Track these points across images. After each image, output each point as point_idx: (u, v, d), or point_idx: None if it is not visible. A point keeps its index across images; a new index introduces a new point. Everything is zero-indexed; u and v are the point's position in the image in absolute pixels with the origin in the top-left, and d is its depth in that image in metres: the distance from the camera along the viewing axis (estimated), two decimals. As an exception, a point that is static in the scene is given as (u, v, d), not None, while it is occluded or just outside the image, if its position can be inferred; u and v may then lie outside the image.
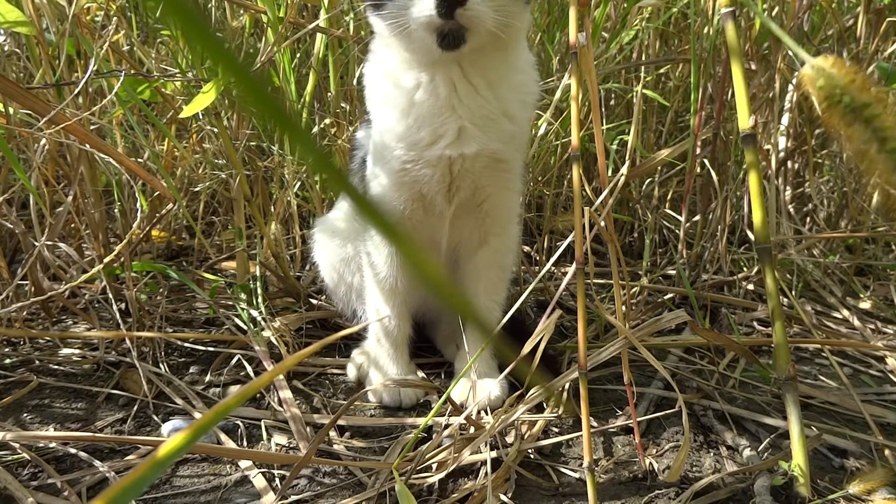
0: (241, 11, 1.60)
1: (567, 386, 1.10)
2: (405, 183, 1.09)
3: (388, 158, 1.08)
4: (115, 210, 1.48)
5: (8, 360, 1.22)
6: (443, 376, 1.27)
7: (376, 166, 1.12)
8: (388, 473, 0.91)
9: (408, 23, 0.96)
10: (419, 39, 0.98)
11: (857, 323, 1.52)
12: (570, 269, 0.96)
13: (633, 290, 1.56)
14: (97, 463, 0.93)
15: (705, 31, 1.63)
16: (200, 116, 1.48)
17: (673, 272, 1.73)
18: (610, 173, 1.62)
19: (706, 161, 1.65)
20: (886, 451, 1.04)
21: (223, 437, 1.03)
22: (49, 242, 1.26)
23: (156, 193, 1.55)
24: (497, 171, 1.10)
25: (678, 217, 1.79)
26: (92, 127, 1.42)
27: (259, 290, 1.35)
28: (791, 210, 1.80)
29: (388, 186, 1.10)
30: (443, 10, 0.92)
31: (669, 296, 1.60)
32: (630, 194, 1.89)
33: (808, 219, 1.93)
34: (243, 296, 1.35)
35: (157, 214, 1.56)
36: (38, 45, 1.33)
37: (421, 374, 1.25)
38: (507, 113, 1.07)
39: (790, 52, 1.64)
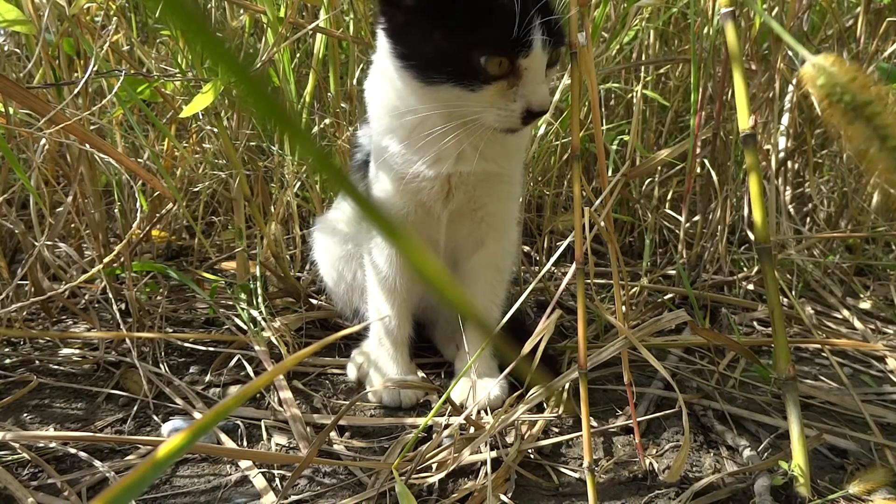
0: (241, 11, 1.60)
1: (567, 386, 1.10)
2: (405, 191, 1.09)
3: (388, 167, 1.09)
4: (115, 210, 1.48)
5: (8, 360, 1.22)
6: (443, 376, 1.27)
7: (379, 171, 1.13)
8: (388, 473, 0.91)
9: (468, 119, 0.94)
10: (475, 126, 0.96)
11: (857, 323, 1.51)
12: (570, 269, 0.96)
13: (633, 290, 1.56)
14: (97, 463, 0.92)
15: (705, 31, 1.63)
16: (200, 116, 1.48)
17: (673, 272, 1.73)
18: (610, 173, 1.62)
19: (706, 161, 1.65)
20: (886, 451, 1.04)
21: (223, 437, 1.03)
22: (49, 242, 1.26)
23: (156, 193, 1.55)
24: (496, 182, 1.10)
25: (678, 217, 1.79)
26: (92, 127, 1.42)
27: (259, 290, 1.35)
28: (791, 210, 1.80)
29: (390, 192, 1.10)
30: (528, 122, 0.93)
31: (669, 296, 1.60)
32: (630, 194, 1.89)
33: (808, 219, 1.93)
34: (243, 296, 1.35)
35: (157, 214, 1.56)
36: (37, 45, 1.33)
37: (421, 374, 1.25)
38: None
39: (790, 53, 1.64)
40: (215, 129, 1.44)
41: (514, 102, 0.92)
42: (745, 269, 1.74)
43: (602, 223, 1.01)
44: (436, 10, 0.91)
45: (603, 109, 1.97)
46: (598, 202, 1.04)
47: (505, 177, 1.11)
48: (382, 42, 1.00)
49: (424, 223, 1.14)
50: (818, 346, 1.41)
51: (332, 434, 1.04)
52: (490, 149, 1.06)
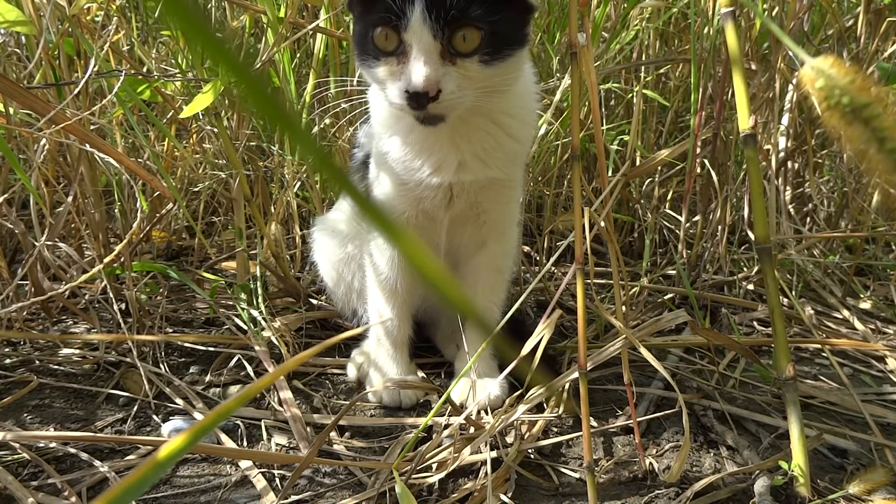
0: (241, 11, 1.60)
1: (567, 386, 1.10)
2: (407, 197, 1.09)
3: (390, 170, 1.09)
4: (115, 210, 1.48)
5: (8, 361, 1.22)
6: (443, 376, 1.27)
7: (381, 173, 1.13)
8: (388, 473, 0.91)
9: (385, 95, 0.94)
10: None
11: (857, 323, 1.52)
12: (570, 269, 0.96)
13: (633, 290, 1.56)
14: (97, 463, 0.93)
15: (705, 31, 1.63)
16: (200, 116, 1.48)
17: (673, 272, 1.73)
18: (610, 173, 1.62)
19: (706, 161, 1.65)
20: (886, 451, 1.04)
21: (223, 437, 1.03)
22: (49, 242, 1.26)
23: (156, 193, 1.55)
24: (498, 187, 1.10)
25: (678, 217, 1.79)
26: (92, 127, 1.42)
27: (259, 290, 1.35)
28: (791, 210, 1.80)
29: (391, 195, 1.11)
30: (414, 105, 0.89)
31: (669, 296, 1.60)
32: (630, 194, 1.89)
33: (808, 219, 1.93)
34: (243, 296, 1.35)
35: (157, 214, 1.56)
36: (37, 46, 1.33)
37: (421, 374, 1.25)
38: (510, 134, 1.07)
39: (790, 53, 1.64)
40: (215, 129, 1.45)
41: (399, 81, 0.89)
42: (745, 269, 1.74)
43: (602, 223, 1.01)
44: None
45: (603, 109, 1.97)
46: (598, 202, 1.04)
47: (507, 181, 1.11)
48: None
49: (426, 226, 1.14)
50: (818, 346, 1.41)
51: (332, 434, 1.04)
52: (492, 155, 1.06)
